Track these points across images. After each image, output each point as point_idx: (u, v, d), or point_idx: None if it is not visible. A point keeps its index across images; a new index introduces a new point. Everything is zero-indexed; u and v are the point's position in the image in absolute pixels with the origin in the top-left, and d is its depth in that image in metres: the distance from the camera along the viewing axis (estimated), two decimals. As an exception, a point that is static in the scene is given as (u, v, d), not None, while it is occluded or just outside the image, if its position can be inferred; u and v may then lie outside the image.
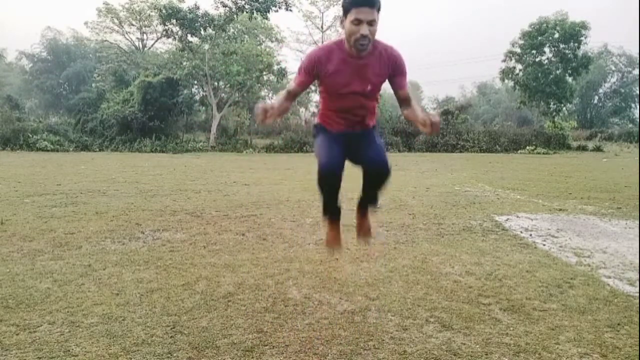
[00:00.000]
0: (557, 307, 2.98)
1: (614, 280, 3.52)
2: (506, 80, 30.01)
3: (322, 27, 37.09)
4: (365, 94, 2.23)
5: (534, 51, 27.55)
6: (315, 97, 37.98)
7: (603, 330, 2.65)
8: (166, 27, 25.90)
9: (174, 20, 25.32)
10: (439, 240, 4.77)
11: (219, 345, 2.44)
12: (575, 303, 3.05)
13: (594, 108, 46.17)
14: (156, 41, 36.86)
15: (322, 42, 36.72)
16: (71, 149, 23.59)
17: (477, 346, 2.46)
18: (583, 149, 26.83)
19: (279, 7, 25.19)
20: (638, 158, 15.31)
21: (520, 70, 28.42)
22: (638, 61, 36.36)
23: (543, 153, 24.27)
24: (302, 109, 41.81)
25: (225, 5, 25.24)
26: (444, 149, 25.83)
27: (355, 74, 2.13)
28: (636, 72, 41.35)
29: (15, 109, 26.21)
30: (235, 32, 30.65)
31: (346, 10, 2.05)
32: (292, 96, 2.27)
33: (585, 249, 4.46)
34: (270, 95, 38.38)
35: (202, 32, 25.99)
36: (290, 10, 25.91)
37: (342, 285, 3.33)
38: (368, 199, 2.57)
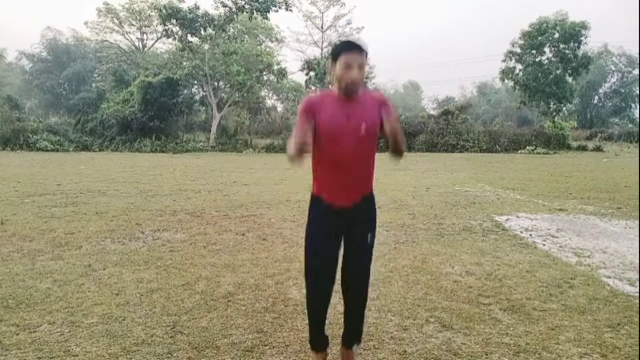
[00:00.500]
0: (557, 307, 2.98)
1: (614, 280, 3.52)
2: (506, 80, 30.02)
3: (322, 27, 37.14)
4: (360, 137, 2.13)
5: (534, 51, 27.55)
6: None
7: (603, 330, 2.65)
8: (166, 27, 25.90)
9: (174, 20, 25.32)
10: (439, 240, 4.77)
11: (219, 345, 2.44)
12: (575, 303, 3.05)
13: (594, 108, 46.18)
14: (156, 41, 36.93)
15: (322, 42, 36.83)
16: (71, 149, 23.59)
17: (477, 346, 2.46)
18: (583, 149, 26.83)
19: (279, 7, 25.19)
20: (638, 158, 15.30)
21: (520, 70, 28.43)
22: (638, 61, 36.36)
23: (543, 153, 24.27)
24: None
25: (225, 5, 25.26)
26: (444, 149, 25.82)
27: (349, 113, 2.14)
28: (636, 72, 41.36)
29: (15, 109, 26.21)
30: (235, 32, 30.68)
31: (335, 57, 2.11)
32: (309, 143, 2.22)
33: (585, 249, 4.46)
34: (270, 95, 38.40)
35: (202, 32, 26.00)
36: (290, 10, 25.92)
37: (342, 285, 3.33)
38: (350, 332, 2.36)
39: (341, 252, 2.31)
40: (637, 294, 3.23)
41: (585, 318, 2.82)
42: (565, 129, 27.52)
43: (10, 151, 21.98)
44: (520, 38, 27.91)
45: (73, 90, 39.13)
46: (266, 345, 2.47)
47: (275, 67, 27.69)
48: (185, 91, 28.52)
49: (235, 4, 25.04)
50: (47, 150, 22.55)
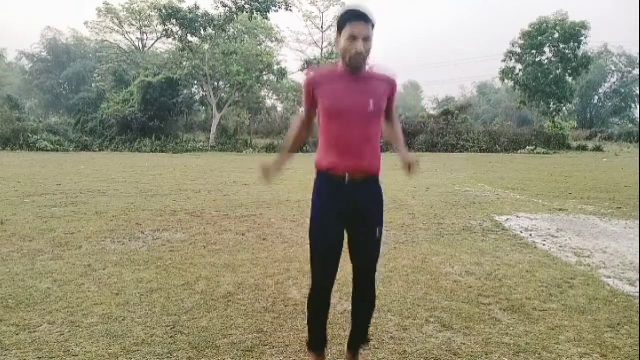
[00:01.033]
0: (557, 307, 2.98)
1: (614, 280, 3.52)
2: (506, 80, 30.01)
3: (322, 27, 37.15)
4: (368, 114, 2.04)
5: (534, 51, 27.56)
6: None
7: (603, 330, 2.65)
8: (166, 27, 25.89)
9: (174, 20, 25.32)
10: (439, 240, 4.77)
11: (219, 345, 2.44)
12: (575, 303, 3.05)
13: (594, 108, 46.18)
14: (156, 41, 36.94)
15: (322, 42, 36.82)
16: (71, 149, 23.59)
17: (477, 346, 2.46)
18: (583, 149, 26.83)
19: (279, 7, 25.20)
20: (638, 158, 15.30)
21: (520, 70, 28.43)
22: (638, 61, 36.36)
23: (543, 153, 24.27)
24: (303, 109, 41.77)
25: (225, 5, 25.25)
26: (444, 149, 25.83)
27: (355, 88, 2.05)
28: (636, 72, 41.36)
29: (15, 109, 26.21)
30: (235, 32, 30.68)
31: (340, 28, 2.02)
32: (309, 121, 2.28)
33: (585, 249, 4.46)
34: (270, 95, 38.39)
35: (202, 32, 26.00)
36: (290, 10, 25.92)
37: (342, 285, 3.32)
38: (357, 333, 2.30)
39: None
40: (637, 294, 3.23)
41: (585, 318, 2.82)
42: (565, 129, 27.53)
43: (10, 151, 21.98)
44: (520, 38, 27.92)
45: (73, 90, 39.14)
46: (266, 345, 2.47)
47: (275, 67, 27.70)
48: (185, 91, 28.52)
49: (235, 4, 25.04)
50: (47, 150, 22.55)
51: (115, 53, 36.58)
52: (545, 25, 26.85)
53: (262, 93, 34.17)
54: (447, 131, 26.60)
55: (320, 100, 2.10)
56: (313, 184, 2.17)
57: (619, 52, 44.72)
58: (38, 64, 41.90)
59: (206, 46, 26.52)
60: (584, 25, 26.56)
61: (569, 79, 27.85)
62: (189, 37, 26.23)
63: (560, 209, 6.69)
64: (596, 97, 46.28)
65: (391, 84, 2.15)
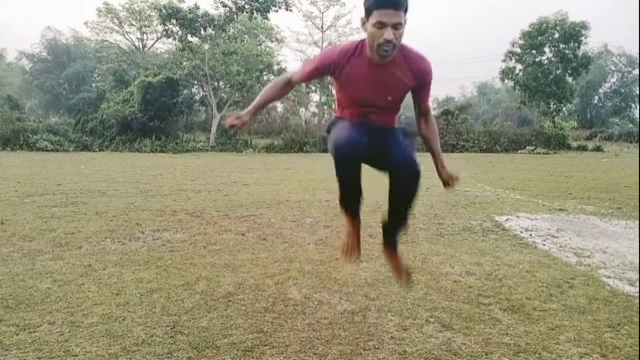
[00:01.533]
0: (557, 307, 2.98)
1: (614, 280, 3.52)
2: (506, 80, 30.02)
3: (322, 27, 37.14)
4: (385, 105, 1.99)
5: (534, 51, 27.56)
6: (315, 97, 37.93)
7: (603, 330, 2.65)
8: (166, 27, 25.92)
9: (174, 20, 25.34)
10: (439, 240, 4.77)
11: (219, 345, 2.44)
12: (575, 303, 3.05)
13: (594, 108, 46.17)
14: (156, 41, 36.96)
15: (322, 42, 36.78)
16: (71, 149, 23.61)
17: (477, 346, 2.46)
18: (583, 149, 26.83)
19: (279, 7, 25.21)
20: (638, 158, 15.30)
21: (520, 70, 28.44)
22: (638, 61, 36.36)
23: (543, 153, 24.28)
24: (302, 109, 41.81)
25: (225, 5, 25.27)
26: (444, 149, 25.51)
27: (376, 83, 1.89)
28: (636, 72, 41.35)
29: (15, 109, 26.23)
30: (235, 32, 30.71)
31: (368, 11, 1.80)
32: (291, 86, 2.13)
33: (585, 249, 4.46)
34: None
35: (202, 32, 26.02)
36: (290, 10, 25.93)
37: (342, 285, 3.33)
38: (397, 220, 2.16)
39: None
40: (637, 294, 3.23)
41: (585, 318, 2.81)
42: (565, 129, 27.55)
43: (10, 151, 21.99)
44: (520, 38, 27.93)
45: (73, 90, 39.13)
46: (266, 345, 2.47)
47: (275, 67, 27.74)
48: (185, 91, 28.54)
49: (235, 4, 25.05)
50: (47, 150, 22.56)
51: (115, 53, 36.59)
52: (545, 25, 26.86)
53: (262, 93, 34.14)
54: (447, 131, 26.60)
55: (338, 83, 1.99)
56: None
57: (619, 52, 44.72)
58: (38, 64, 41.88)
59: (206, 46, 26.54)
60: (584, 25, 26.57)
61: (569, 79, 27.86)
62: (189, 37, 26.26)
63: (560, 209, 6.68)
64: (596, 97, 46.26)
65: (420, 73, 1.95)
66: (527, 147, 25.38)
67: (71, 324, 2.66)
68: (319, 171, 12.55)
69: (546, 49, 27.57)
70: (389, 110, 2.07)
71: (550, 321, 2.77)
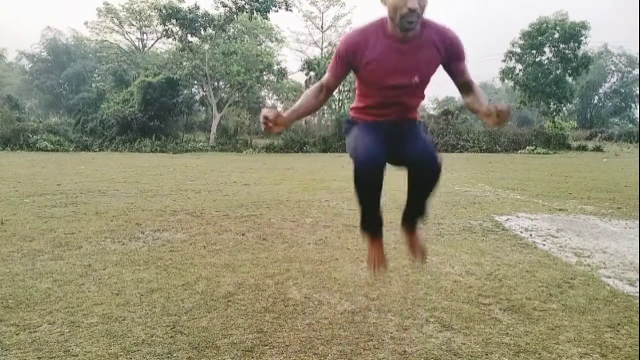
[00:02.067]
0: (557, 307, 2.98)
1: (614, 280, 3.52)
2: (506, 80, 30.02)
3: (322, 27, 37.12)
4: (412, 86, 1.88)
5: (534, 51, 27.56)
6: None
7: (603, 330, 2.65)
8: (166, 27, 25.93)
9: (174, 20, 25.36)
10: (439, 240, 4.77)
11: (219, 345, 2.44)
12: (575, 303, 3.05)
13: (594, 108, 46.15)
14: (156, 41, 36.96)
15: (322, 42, 36.77)
16: (71, 149, 23.61)
17: (477, 346, 2.46)
18: (583, 149, 26.82)
19: (279, 7, 25.22)
20: (638, 158, 15.30)
21: (520, 70, 28.43)
22: (638, 61, 36.35)
23: (543, 153, 24.28)
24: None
25: (225, 5, 25.29)
26: (444, 149, 25.83)
27: (401, 62, 1.78)
28: (636, 72, 41.33)
29: (15, 109, 26.25)
30: (235, 32, 30.72)
31: None
32: (327, 90, 1.99)
33: (585, 249, 4.46)
34: (270, 95, 38.41)
35: (202, 32, 26.05)
36: (290, 10, 25.95)
37: (342, 285, 3.33)
38: (416, 210, 2.18)
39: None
40: (637, 294, 3.23)
41: (585, 318, 2.82)
42: (565, 129, 27.54)
43: (10, 151, 21.99)
44: (520, 38, 27.93)
45: (73, 90, 39.12)
46: (266, 345, 2.47)
47: (275, 67, 27.75)
48: (185, 91, 28.56)
49: (235, 4, 25.06)
50: (47, 150, 22.56)
51: (115, 53, 36.60)
52: (545, 25, 26.85)
53: (262, 93, 34.25)
54: (447, 131, 26.64)
55: (360, 70, 1.88)
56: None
57: (619, 52, 44.69)
58: (38, 64, 41.87)
59: (206, 46, 26.55)
60: (584, 25, 26.57)
61: (569, 79, 27.86)
62: (189, 37, 26.28)
63: (560, 209, 6.68)
64: (596, 97, 46.24)
65: (448, 44, 1.85)
66: (527, 147, 25.38)
67: (71, 324, 2.66)
68: (319, 171, 12.54)
69: (546, 49, 27.57)
70: (413, 96, 1.97)
71: (550, 321, 2.77)
